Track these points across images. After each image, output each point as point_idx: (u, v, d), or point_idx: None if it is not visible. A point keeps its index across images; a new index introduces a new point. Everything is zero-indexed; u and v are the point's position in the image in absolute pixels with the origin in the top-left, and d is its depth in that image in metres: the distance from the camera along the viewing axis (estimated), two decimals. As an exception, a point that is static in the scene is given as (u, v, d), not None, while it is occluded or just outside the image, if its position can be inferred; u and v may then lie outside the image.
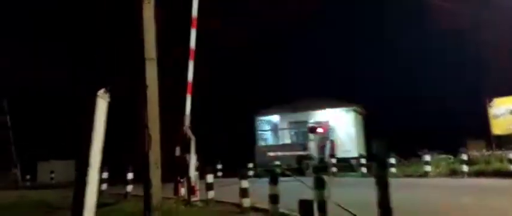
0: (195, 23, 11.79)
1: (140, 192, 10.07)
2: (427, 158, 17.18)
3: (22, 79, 32.29)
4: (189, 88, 11.55)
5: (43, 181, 26.46)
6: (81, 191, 4.36)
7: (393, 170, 17.72)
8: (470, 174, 16.01)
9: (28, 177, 26.61)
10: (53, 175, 26.19)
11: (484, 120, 19.84)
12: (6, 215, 11.16)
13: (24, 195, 15.50)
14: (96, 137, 4.48)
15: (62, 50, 30.85)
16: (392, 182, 5.31)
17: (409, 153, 19.86)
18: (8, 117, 27.49)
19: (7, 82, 30.12)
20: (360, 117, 27.19)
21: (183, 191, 10.87)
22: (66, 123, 27.62)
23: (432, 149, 18.53)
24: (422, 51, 31.97)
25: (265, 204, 8.83)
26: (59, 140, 29.23)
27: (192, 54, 11.70)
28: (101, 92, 4.60)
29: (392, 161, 18.40)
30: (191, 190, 10.58)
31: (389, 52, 32.82)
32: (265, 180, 10.04)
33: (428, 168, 17.07)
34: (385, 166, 5.98)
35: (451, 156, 18.49)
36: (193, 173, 10.77)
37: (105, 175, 15.30)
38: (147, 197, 7.76)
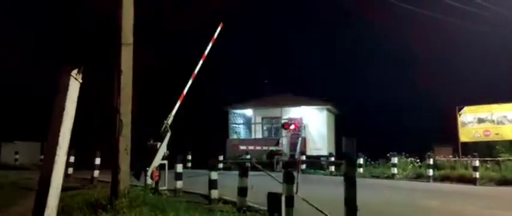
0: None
1: (107, 178, 9.94)
2: (395, 160, 17.50)
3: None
4: (182, 97, 12.10)
5: (7, 162, 25.74)
6: (48, 169, 4.29)
7: (361, 170, 18.02)
8: (435, 179, 16.38)
9: (-9, 157, 25.85)
10: (17, 156, 25.46)
11: (452, 127, 20.28)
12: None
13: (-14, 174, 15.10)
14: (66, 117, 4.41)
15: (29, 28, 30.07)
16: (360, 182, 5.42)
17: (378, 155, 20.20)
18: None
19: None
20: (332, 116, 27.48)
21: (149, 179, 10.79)
22: (32, 105, 27.01)
23: (400, 152, 18.90)
24: (397, 56, 32.58)
25: (233, 196, 8.84)
26: (24, 122, 28.49)
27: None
28: (75, 73, 4.52)
29: (361, 161, 18.75)
30: (151, 176, 10.56)
31: (364, 56, 33.32)
32: (235, 173, 10.09)
33: (395, 170, 17.39)
34: (354, 165, 6.08)
35: (418, 160, 18.88)
36: (157, 161, 10.76)
37: (71, 159, 15.00)
38: (114, 182, 7.64)
